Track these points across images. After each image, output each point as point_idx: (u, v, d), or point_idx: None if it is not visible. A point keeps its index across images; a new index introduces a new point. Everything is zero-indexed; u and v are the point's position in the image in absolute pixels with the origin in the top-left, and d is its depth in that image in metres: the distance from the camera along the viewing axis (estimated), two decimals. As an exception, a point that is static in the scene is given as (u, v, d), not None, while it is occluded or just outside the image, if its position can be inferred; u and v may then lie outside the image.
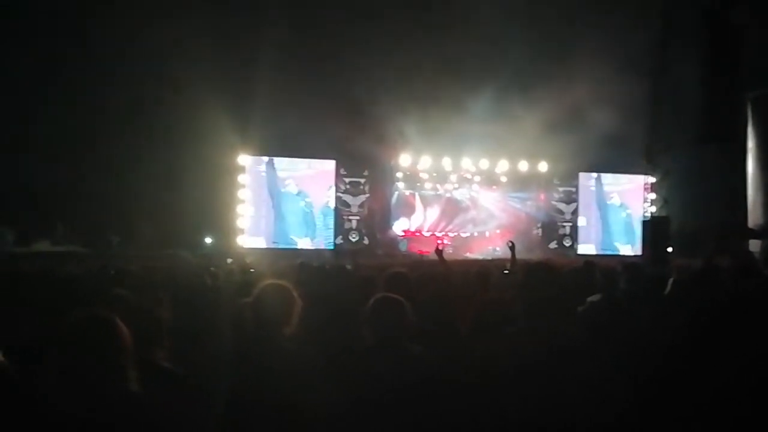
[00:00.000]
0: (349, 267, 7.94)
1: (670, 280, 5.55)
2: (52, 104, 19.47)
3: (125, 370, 2.44)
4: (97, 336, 2.43)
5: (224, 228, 22.43)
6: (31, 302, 4.77)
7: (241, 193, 22.56)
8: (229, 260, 15.43)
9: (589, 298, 5.33)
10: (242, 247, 21.61)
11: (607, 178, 25.82)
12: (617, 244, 25.60)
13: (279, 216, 23.03)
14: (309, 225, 23.29)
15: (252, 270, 9.71)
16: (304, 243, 23.07)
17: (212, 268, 10.03)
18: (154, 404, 2.43)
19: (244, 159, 22.57)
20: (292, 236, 23.05)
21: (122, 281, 5.55)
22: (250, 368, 3.23)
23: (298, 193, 23.26)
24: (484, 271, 5.49)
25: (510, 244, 6.38)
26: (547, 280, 3.16)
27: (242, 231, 22.41)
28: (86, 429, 2.29)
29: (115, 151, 20.25)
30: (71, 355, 2.38)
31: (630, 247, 25.37)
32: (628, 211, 25.59)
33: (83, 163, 19.91)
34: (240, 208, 22.46)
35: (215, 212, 22.28)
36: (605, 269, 6.36)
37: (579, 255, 23.25)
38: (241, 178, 22.57)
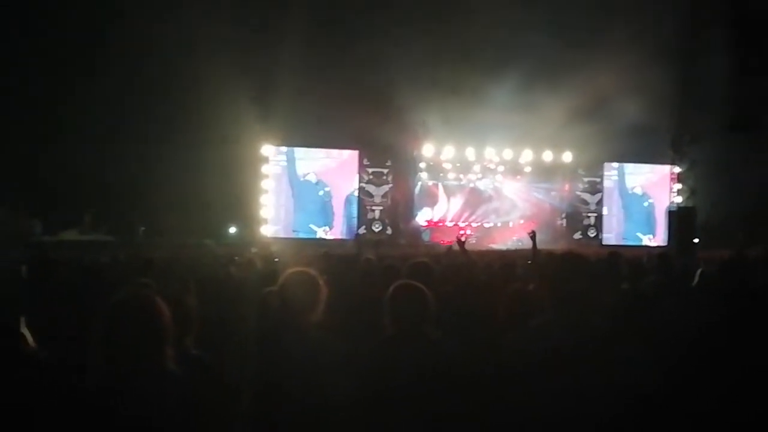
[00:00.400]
0: (371, 257, 7.93)
1: (698, 271, 5.48)
2: (77, 96, 19.65)
3: (164, 349, 2.48)
4: (138, 315, 2.47)
5: (248, 218, 22.58)
6: (62, 290, 4.84)
7: (265, 183, 22.69)
8: (254, 250, 15.53)
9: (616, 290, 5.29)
10: (266, 237, 21.73)
11: (629, 167, 25.59)
12: (639, 234, 25.39)
13: (298, 205, 23.14)
14: (327, 214, 23.37)
15: (276, 259, 9.76)
16: (322, 232, 23.16)
17: (236, 258, 10.10)
18: (190, 384, 2.47)
19: (267, 149, 22.68)
20: (311, 225, 23.15)
21: (149, 270, 5.60)
22: (276, 355, 3.24)
23: (317, 183, 23.33)
24: (508, 261, 5.45)
25: (531, 234, 6.31)
26: (576, 271, 3.12)
27: (266, 221, 22.55)
28: (125, 406, 2.33)
29: (141, 141, 20.41)
30: (113, 333, 2.42)
31: (651, 237, 25.18)
32: (650, 200, 25.37)
33: (109, 153, 20.09)
34: (263, 198, 22.60)
35: (239, 202, 22.42)
36: (631, 260, 6.30)
37: (603, 245, 23.08)
38: (265, 169, 22.71)
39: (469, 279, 5.15)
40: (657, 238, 24.88)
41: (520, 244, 21.96)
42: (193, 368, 2.63)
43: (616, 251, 7.67)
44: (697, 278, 5.42)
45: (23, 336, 2.63)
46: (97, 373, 2.37)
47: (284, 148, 23.11)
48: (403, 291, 3.45)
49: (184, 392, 2.45)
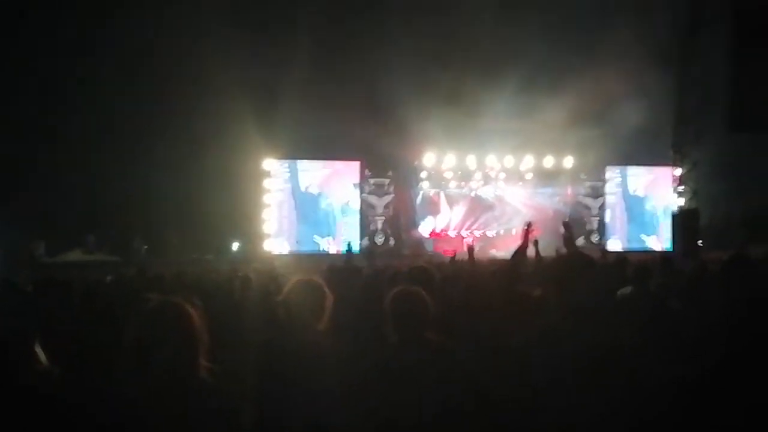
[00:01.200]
0: (362, 267, 7.98)
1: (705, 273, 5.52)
2: (77, 113, 19.76)
3: (198, 358, 2.46)
4: (174, 322, 2.44)
5: (250, 233, 22.61)
6: (68, 309, 4.88)
7: (267, 198, 22.73)
8: (254, 266, 15.55)
9: (620, 291, 5.33)
10: (269, 252, 21.75)
11: (631, 170, 25.66)
12: (643, 236, 25.42)
13: (301, 217, 23.22)
14: (330, 225, 23.46)
15: (281, 274, 9.77)
16: (325, 243, 23.23)
17: (240, 274, 10.12)
18: (223, 394, 2.46)
19: (269, 163, 22.74)
20: (315, 237, 23.23)
21: (156, 286, 5.65)
22: (283, 365, 3.27)
23: (319, 194, 23.42)
24: (514, 264, 5.43)
25: (534, 242, 6.28)
26: (582, 271, 3.14)
27: (268, 236, 22.57)
28: (159, 417, 2.33)
29: (141, 160, 20.48)
30: (148, 341, 2.39)
31: (655, 238, 25.21)
32: (653, 202, 25.44)
33: (108, 172, 20.16)
34: (265, 213, 22.64)
35: (241, 217, 22.45)
36: (638, 264, 6.32)
37: (608, 251, 23.03)
38: (267, 183, 22.75)
39: (473, 284, 5.19)
40: (661, 238, 24.90)
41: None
42: (217, 379, 2.61)
43: (623, 256, 7.72)
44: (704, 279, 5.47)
45: (36, 354, 2.66)
46: (127, 384, 2.35)
47: (286, 162, 23.18)
48: (401, 296, 3.47)
49: (218, 403, 2.42)
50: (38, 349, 2.67)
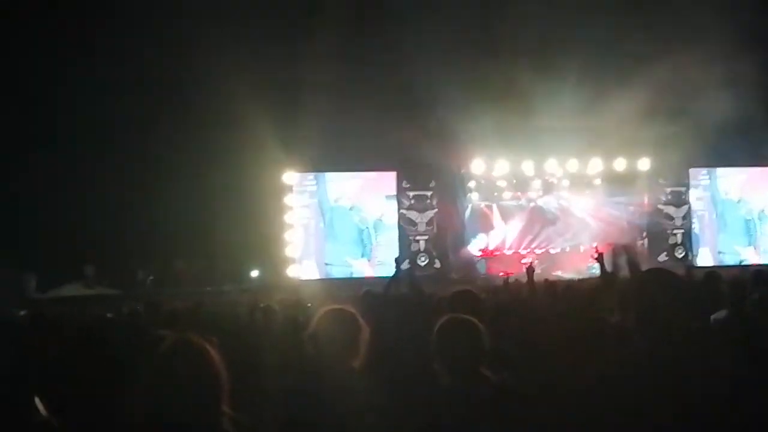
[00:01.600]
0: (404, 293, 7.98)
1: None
2: (68, 128, 20.16)
3: (221, 406, 2.45)
4: (192, 365, 2.44)
5: (272, 258, 22.62)
6: (66, 351, 4.96)
7: (289, 217, 22.74)
8: (278, 295, 15.64)
9: (714, 316, 5.24)
10: (294, 279, 21.82)
11: (720, 171, 25.21)
12: (737, 248, 24.89)
13: (331, 235, 23.21)
14: (365, 244, 23.41)
15: (309, 305, 9.82)
16: (360, 264, 23.19)
17: (261, 305, 10.19)
18: None
19: (290, 177, 22.78)
20: (346, 258, 23.21)
21: (169, 322, 5.72)
22: (314, 413, 3.26)
23: (352, 208, 23.40)
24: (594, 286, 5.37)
25: (596, 255, 6.20)
26: (667, 293, 3.09)
27: (293, 260, 22.56)
28: None
29: (142, 175, 20.70)
30: (164, 387, 2.39)
31: (752, 249, 24.71)
32: (749, 206, 24.97)
33: (107, 190, 20.40)
34: (288, 235, 22.64)
35: (260, 240, 22.40)
36: (733, 282, 6.22)
37: (696, 267, 22.62)
38: (288, 199, 22.78)
39: (534, 311, 5.16)
40: (759, 249, 24.42)
41: (593, 271, 21.66)
42: (241, 430, 2.58)
43: (714, 272, 7.59)
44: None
45: (34, 405, 2.69)
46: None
47: (311, 174, 23.20)
48: (450, 326, 3.43)
49: None
50: (36, 400, 2.71)
